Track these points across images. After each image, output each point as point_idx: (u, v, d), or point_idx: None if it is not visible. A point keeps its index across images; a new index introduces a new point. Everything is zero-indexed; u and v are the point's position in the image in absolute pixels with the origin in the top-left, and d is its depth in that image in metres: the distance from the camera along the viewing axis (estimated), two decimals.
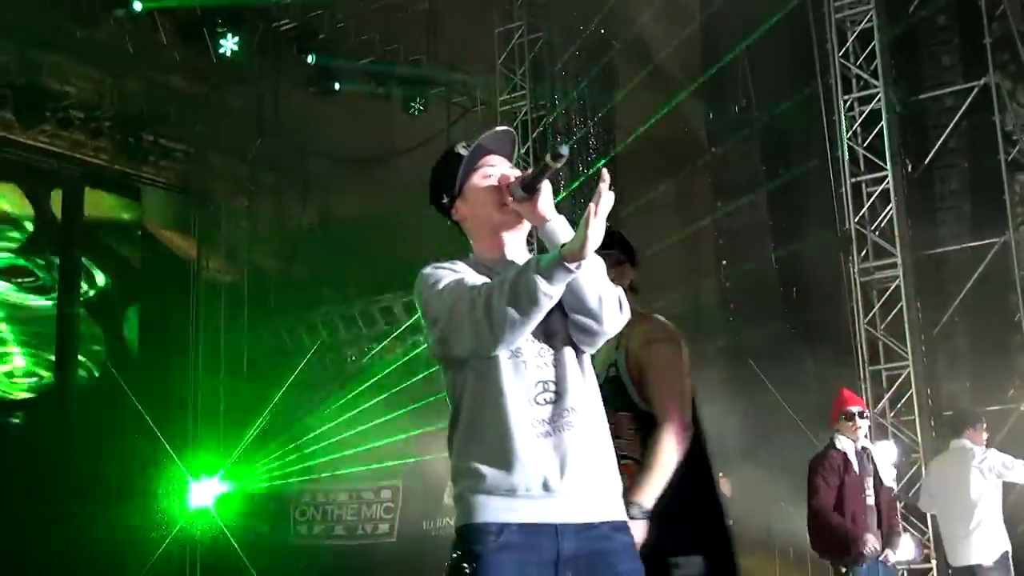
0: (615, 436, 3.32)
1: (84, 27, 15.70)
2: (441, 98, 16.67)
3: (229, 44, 15.61)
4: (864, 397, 12.17)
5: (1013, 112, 13.06)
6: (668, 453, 4.16)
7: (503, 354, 3.06)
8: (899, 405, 12.12)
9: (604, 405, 3.25)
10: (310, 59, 15.91)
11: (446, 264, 3.27)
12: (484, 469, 3.05)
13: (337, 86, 16.10)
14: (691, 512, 4.29)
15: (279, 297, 17.91)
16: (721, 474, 13.47)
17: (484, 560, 3.00)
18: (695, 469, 4.30)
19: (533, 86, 15.20)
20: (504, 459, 3.03)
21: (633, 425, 4.25)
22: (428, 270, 3.25)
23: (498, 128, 3.47)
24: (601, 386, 3.30)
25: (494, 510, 3.04)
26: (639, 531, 3.92)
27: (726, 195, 14.74)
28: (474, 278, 3.16)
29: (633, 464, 4.12)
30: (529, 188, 3.18)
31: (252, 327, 17.85)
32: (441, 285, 3.16)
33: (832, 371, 12.72)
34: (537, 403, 3.10)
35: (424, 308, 3.20)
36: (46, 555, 13.93)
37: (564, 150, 3.02)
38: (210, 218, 17.89)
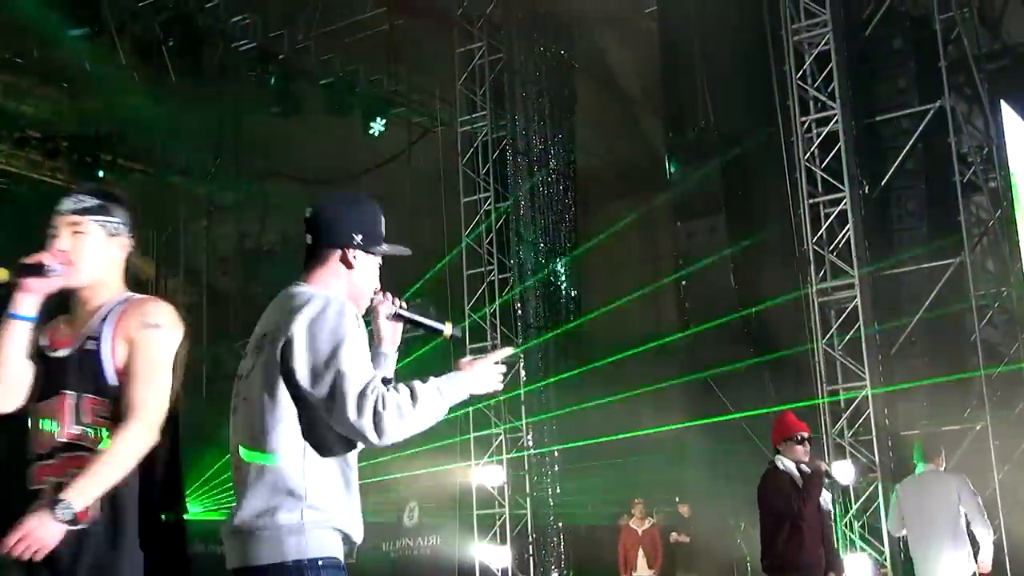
0: (77, 422, 3.46)
1: (42, 46, 15.58)
2: (402, 118, 16.66)
3: (188, 64, 15.54)
4: (822, 417, 12.24)
5: (968, 134, 13.20)
6: (126, 451, 3.39)
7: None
8: (857, 425, 12.16)
9: (65, 384, 3.44)
10: (271, 80, 15.83)
11: (356, 322, 3.28)
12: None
13: (297, 107, 16.02)
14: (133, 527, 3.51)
15: (239, 318, 17.82)
16: (678, 498, 13.59)
17: None
18: (155, 478, 3.56)
19: (493, 107, 15.21)
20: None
21: (105, 413, 3.50)
22: (346, 322, 3.24)
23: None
24: (65, 360, 3.48)
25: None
26: (52, 535, 3.26)
27: (686, 216, 14.77)
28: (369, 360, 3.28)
29: (88, 456, 3.42)
30: (399, 319, 3.55)
31: (211, 349, 17.73)
32: (360, 357, 3.20)
33: (791, 391, 12.76)
34: None
35: (342, 365, 3.15)
36: None
37: (457, 332, 3.54)
38: (169, 239, 17.76)
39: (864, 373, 12.23)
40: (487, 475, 14.34)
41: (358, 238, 3.46)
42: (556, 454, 14.33)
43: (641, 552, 13.44)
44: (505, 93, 15.35)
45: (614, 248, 15.25)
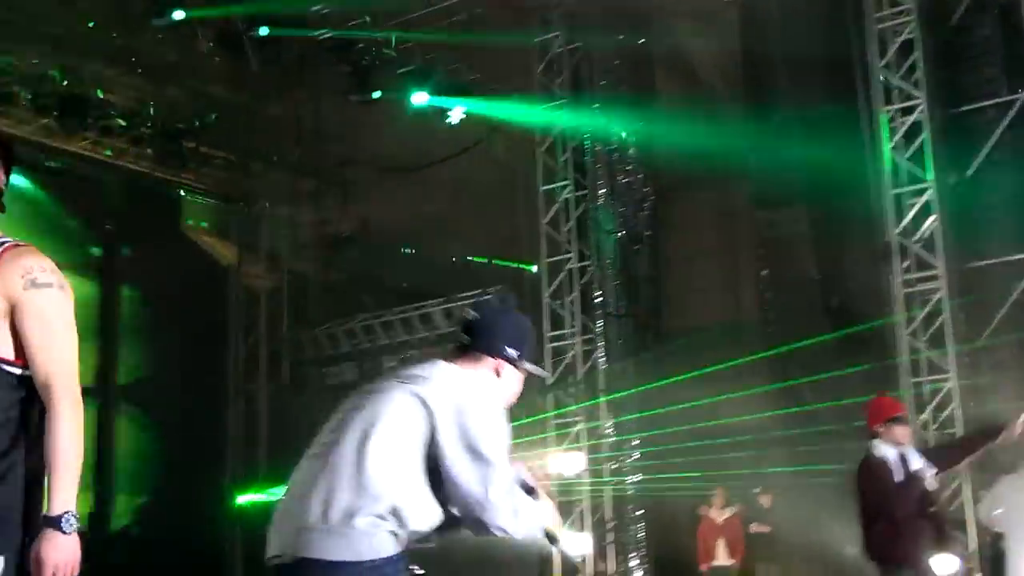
0: None
1: (126, 36, 15.85)
2: (480, 106, 16.70)
3: (269, 52, 15.73)
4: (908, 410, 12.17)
5: None
6: (74, 436, 3.15)
7: None
8: (941, 419, 12.09)
9: None
10: (350, 68, 15.96)
11: (505, 423, 3.66)
12: None
13: (376, 94, 16.14)
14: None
15: (318, 304, 18.02)
16: (759, 489, 13.58)
17: None
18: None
19: (571, 96, 15.22)
20: None
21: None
22: (499, 420, 3.64)
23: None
24: None
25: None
26: (75, 551, 3.13)
27: (767, 206, 14.71)
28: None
29: None
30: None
31: (292, 334, 17.98)
32: (503, 459, 3.56)
33: (873, 384, 12.70)
34: None
35: (491, 459, 3.52)
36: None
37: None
38: (250, 225, 18.00)
39: (949, 366, 12.15)
40: (566, 461, 14.41)
41: (512, 353, 3.77)
42: (635, 442, 14.38)
43: (721, 541, 13.48)
44: (583, 83, 15.37)
45: (693, 237, 15.24)
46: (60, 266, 3.31)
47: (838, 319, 13.49)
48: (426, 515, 3.58)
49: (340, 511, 3.48)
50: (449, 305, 16.33)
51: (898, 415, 7.73)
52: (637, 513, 14.34)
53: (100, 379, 16.38)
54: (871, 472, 7.59)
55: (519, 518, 3.57)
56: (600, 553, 14.28)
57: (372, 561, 3.48)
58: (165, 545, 15.64)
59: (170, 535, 15.86)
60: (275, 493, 16.51)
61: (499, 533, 3.59)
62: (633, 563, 14.28)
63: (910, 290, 12.64)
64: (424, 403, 3.52)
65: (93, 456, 15.58)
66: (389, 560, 3.52)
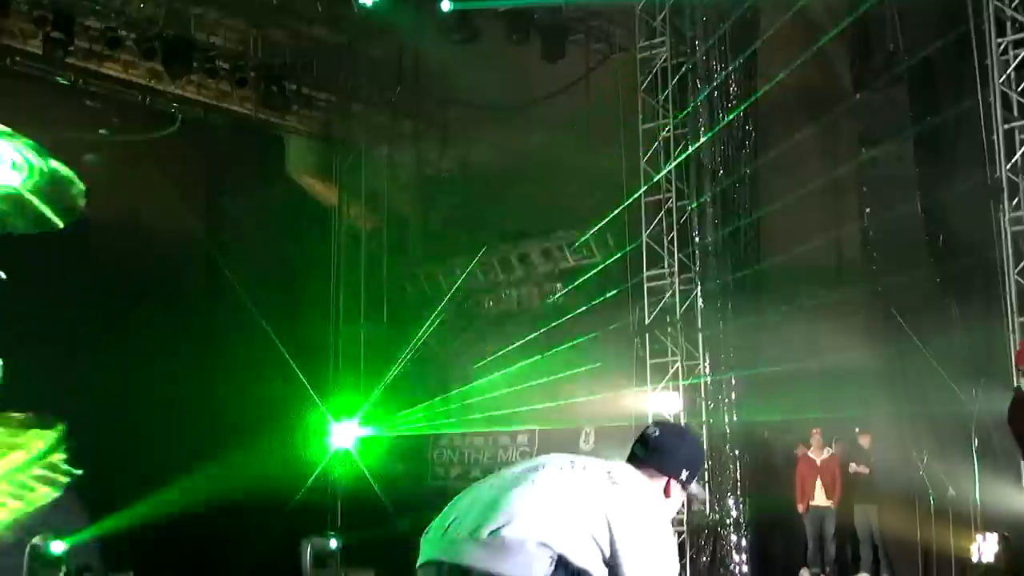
0: None
1: None
2: (580, 45, 16.60)
3: None
4: (1010, 348, 11.88)
5: None
6: None
7: None
8: None
9: None
10: (450, 8, 15.93)
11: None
12: None
13: (476, 34, 16.11)
14: None
15: (418, 244, 18.16)
16: (858, 429, 13.37)
17: None
18: None
19: (673, 33, 15.01)
20: None
21: None
22: (670, 546, 3.61)
23: None
24: None
25: None
26: None
27: (871, 142, 14.36)
28: None
29: None
30: None
31: (392, 273, 18.13)
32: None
33: (978, 322, 12.41)
34: None
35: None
36: (192, 494, 14.39)
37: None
38: (352, 166, 18.16)
39: None
40: (663, 401, 14.35)
41: (684, 475, 3.77)
42: (733, 381, 14.24)
43: (819, 482, 13.32)
44: (685, 18, 15.14)
45: (795, 175, 14.96)
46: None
47: (942, 257, 13.17)
48: None
49: None
50: (547, 244, 16.33)
51: None
52: (734, 453, 14.20)
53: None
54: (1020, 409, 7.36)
55: None
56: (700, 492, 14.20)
57: None
58: (273, 485, 15.97)
59: (278, 472, 16.18)
60: (372, 429, 16.85)
61: None
62: (730, 502, 14.17)
63: (1019, 228, 12.28)
64: (600, 519, 3.47)
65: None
66: None
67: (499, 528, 3.38)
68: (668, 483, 3.74)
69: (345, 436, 17.22)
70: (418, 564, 3.63)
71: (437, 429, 16.81)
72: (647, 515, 3.54)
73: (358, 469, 17.02)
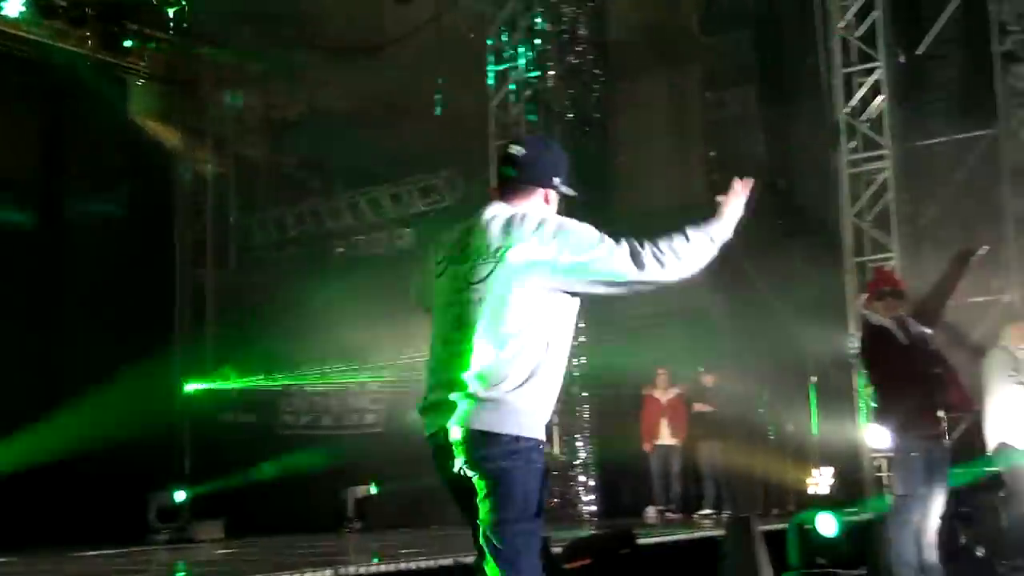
0: None
1: None
2: None
3: None
4: (848, 288, 12.22)
5: (1009, 2, 12.85)
6: None
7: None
8: None
9: None
10: None
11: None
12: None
13: None
14: None
15: (266, 189, 17.81)
16: (702, 368, 13.61)
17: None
18: None
19: None
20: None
21: None
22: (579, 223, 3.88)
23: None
24: None
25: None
26: None
27: (717, 86, 14.56)
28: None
29: None
30: None
31: (239, 219, 17.78)
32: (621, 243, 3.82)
33: (818, 263, 12.70)
34: None
35: (603, 248, 3.78)
36: (31, 452, 13.95)
37: None
38: (196, 109, 17.67)
39: (892, 244, 12.14)
40: None
41: (556, 180, 4.02)
42: (581, 325, 14.31)
43: (665, 421, 13.51)
44: None
45: (643, 119, 15.07)
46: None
47: (784, 199, 13.44)
48: None
49: None
50: (397, 190, 16.17)
51: (886, 288, 7.63)
52: (582, 395, 14.33)
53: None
54: (874, 340, 7.49)
55: (683, 256, 3.86)
56: (546, 436, 14.30)
57: None
58: (115, 439, 15.59)
59: (120, 425, 15.78)
60: (223, 379, 16.57)
61: (683, 274, 3.90)
62: (579, 444, 14.33)
63: (856, 170, 12.59)
64: (520, 269, 3.81)
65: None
66: None
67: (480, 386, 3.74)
68: (546, 193, 4.00)
69: (193, 386, 16.90)
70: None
71: (289, 380, 16.57)
72: (545, 217, 3.87)
73: (206, 419, 16.73)
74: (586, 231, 3.79)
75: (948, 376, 7.55)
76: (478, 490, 3.71)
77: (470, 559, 7.57)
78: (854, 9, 12.70)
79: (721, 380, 13.44)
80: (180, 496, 15.53)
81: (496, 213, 3.89)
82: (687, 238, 3.87)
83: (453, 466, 3.76)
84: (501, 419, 3.70)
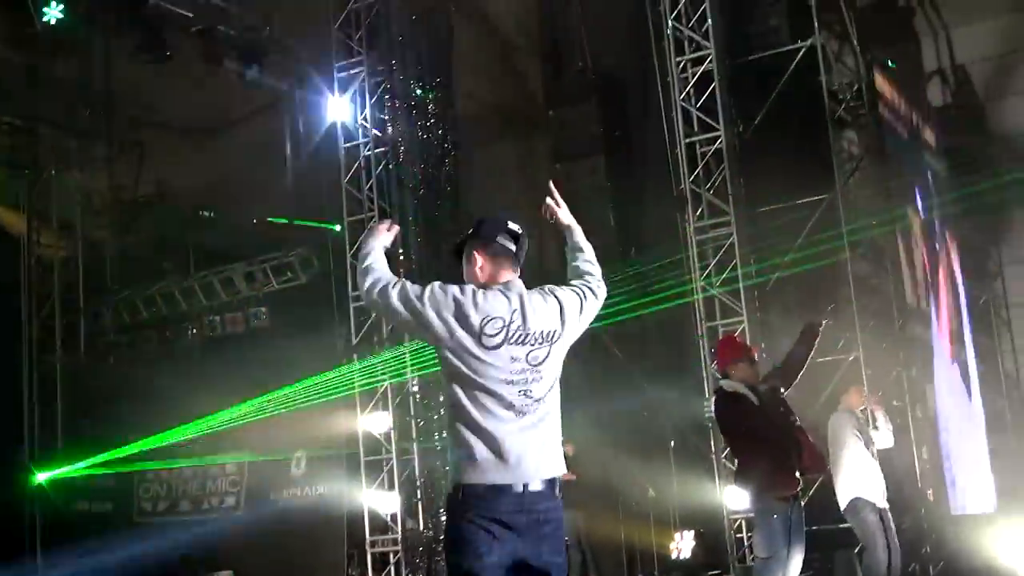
0: None
1: None
2: (277, 64, 16.34)
3: (54, 12, 15.05)
4: (702, 353, 12.48)
5: (838, 71, 13.42)
6: None
7: None
8: None
9: None
10: (141, 27, 15.33)
11: None
12: None
13: (169, 53, 15.58)
14: None
15: (116, 272, 17.45)
16: (562, 439, 13.69)
17: None
18: None
19: (369, 52, 15.00)
20: None
21: None
22: None
23: None
24: None
25: None
26: None
27: (565, 158, 14.84)
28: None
29: None
30: None
31: (88, 303, 17.37)
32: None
33: (672, 329, 12.96)
34: None
35: None
36: None
37: None
38: (40, 192, 17.26)
39: (741, 309, 12.47)
40: (373, 422, 14.31)
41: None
42: (442, 398, 14.31)
43: None
44: (382, 37, 15.15)
45: (495, 191, 15.25)
46: None
47: (636, 269, 13.70)
48: None
49: None
50: (251, 268, 16.01)
51: (745, 356, 7.83)
52: (446, 469, 14.26)
53: None
54: (730, 402, 7.63)
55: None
56: (410, 511, 14.22)
57: None
58: None
59: None
60: (75, 468, 16.07)
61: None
62: (443, 519, 14.24)
63: (703, 236, 12.91)
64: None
65: None
66: None
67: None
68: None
69: (44, 475, 16.36)
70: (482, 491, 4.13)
71: (143, 465, 16.16)
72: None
73: (59, 509, 16.20)
74: None
75: (800, 437, 7.76)
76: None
77: None
78: (693, 80, 13.07)
79: (581, 448, 13.53)
80: None
81: (522, 290, 4.36)
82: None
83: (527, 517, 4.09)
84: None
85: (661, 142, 13.34)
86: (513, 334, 4.21)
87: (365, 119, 14.93)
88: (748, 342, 11.94)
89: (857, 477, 9.12)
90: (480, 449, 4.12)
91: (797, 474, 7.58)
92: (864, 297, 12.65)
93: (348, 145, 14.99)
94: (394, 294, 4.31)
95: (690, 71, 13.10)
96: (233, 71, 15.74)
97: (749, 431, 7.61)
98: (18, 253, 17.25)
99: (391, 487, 14.20)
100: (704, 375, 12.48)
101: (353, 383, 14.33)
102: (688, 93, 13.09)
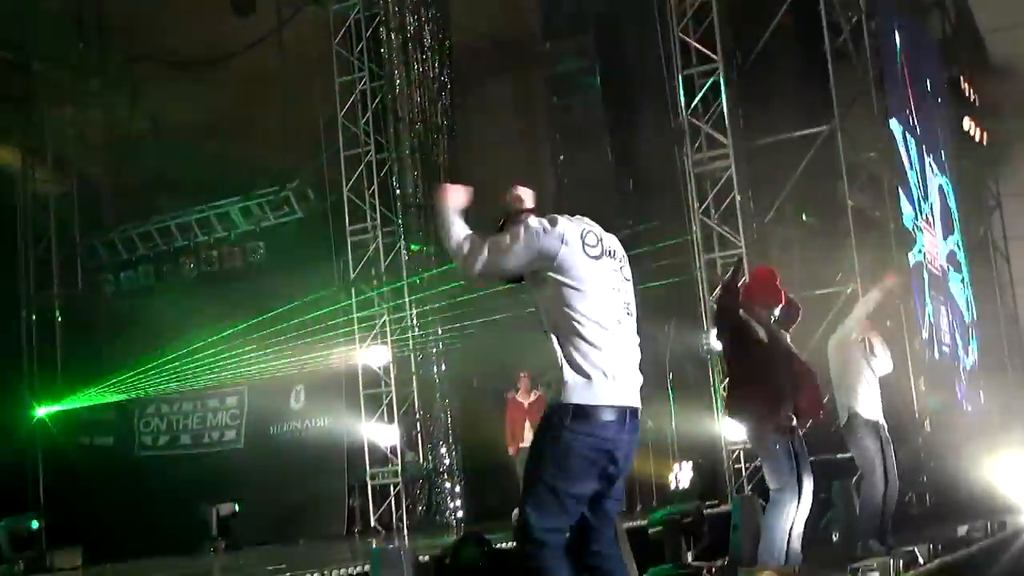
0: None
1: None
2: None
3: None
4: (700, 285, 12.51)
5: (837, 1, 13.32)
6: None
7: None
8: None
9: None
10: None
11: None
12: None
13: None
14: None
15: (111, 206, 17.39)
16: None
17: None
18: None
19: None
20: None
21: None
22: None
23: None
24: None
25: None
26: None
27: (563, 91, 14.77)
28: None
29: None
30: None
31: (85, 238, 17.33)
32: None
33: (670, 262, 12.97)
34: None
35: None
36: None
37: None
38: (34, 128, 17.15)
39: (740, 240, 12.47)
40: (372, 356, 14.37)
41: None
42: (439, 331, 14.39)
43: (528, 424, 13.60)
44: None
45: (492, 126, 15.19)
46: None
47: (634, 201, 13.70)
48: None
49: None
50: (247, 203, 15.98)
51: (775, 304, 7.73)
52: (445, 402, 14.38)
53: None
54: (743, 329, 7.59)
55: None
56: (410, 443, 14.32)
57: None
58: None
59: None
60: (75, 402, 16.14)
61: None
62: (443, 451, 14.35)
63: (701, 169, 12.89)
64: None
65: None
66: None
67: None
68: None
69: (44, 409, 16.42)
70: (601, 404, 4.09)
71: (143, 393, 16.20)
72: None
73: (60, 444, 16.28)
74: None
75: (805, 379, 7.75)
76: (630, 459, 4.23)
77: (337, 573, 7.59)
78: (691, 11, 12.98)
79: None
80: (35, 524, 15.08)
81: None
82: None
83: (623, 438, 4.15)
84: None
85: (659, 74, 13.27)
86: (606, 247, 4.29)
87: (361, 52, 14.83)
88: (747, 273, 11.96)
89: (856, 393, 9.08)
90: (590, 365, 4.09)
91: (792, 414, 7.60)
92: (862, 229, 12.64)
93: (344, 79, 14.91)
94: (493, 254, 4.21)
95: (688, 2, 13.01)
96: (227, 3, 15.65)
97: (755, 362, 7.60)
98: (12, 189, 17.19)
99: (391, 420, 14.29)
100: (703, 308, 12.52)
101: (352, 317, 14.36)
102: (686, 24, 13.01)
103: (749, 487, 11.95)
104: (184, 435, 16.33)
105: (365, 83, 14.81)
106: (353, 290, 14.52)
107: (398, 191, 14.58)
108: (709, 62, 12.86)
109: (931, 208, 15.50)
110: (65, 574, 12.94)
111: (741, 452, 12.14)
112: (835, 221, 12.59)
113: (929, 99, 16.14)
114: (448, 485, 14.35)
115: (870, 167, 13.29)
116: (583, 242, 4.20)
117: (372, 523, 14.30)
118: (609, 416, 4.10)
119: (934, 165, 15.91)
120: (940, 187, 16.17)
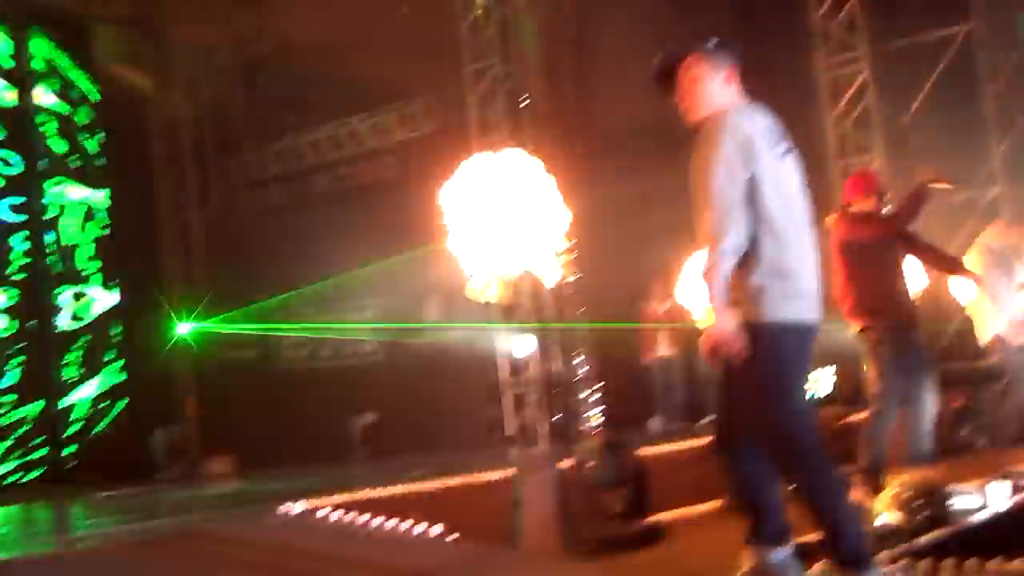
0: None
1: None
2: None
3: None
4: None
5: None
6: None
7: None
8: None
9: None
10: None
11: None
12: None
13: None
14: None
15: (242, 128, 17.72)
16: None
17: None
18: None
19: None
20: None
21: None
22: None
23: None
24: None
25: None
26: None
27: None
28: None
29: None
30: None
31: (217, 159, 17.73)
32: None
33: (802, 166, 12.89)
34: None
35: None
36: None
37: None
38: (165, 52, 17.49)
39: (875, 147, 12.36)
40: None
41: None
42: (574, 240, 14.41)
43: (663, 333, 13.63)
44: None
45: (617, 37, 15.09)
46: None
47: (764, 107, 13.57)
48: None
49: None
50: (376, 118, 16.18)
51: (875, 193, 7.71)
52: (579, 311, 14.52)
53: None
54: (852, 229, 7.53)
55: None
56: (545, 353, 14.51)
57: None
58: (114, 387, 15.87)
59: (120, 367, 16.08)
60: (216, 321, 16.66)
61: None
62: (577, 360, 14.54)
63: (832, 73, 12.75)
64: None
65: None
66: None
67: None
68: None
69: (186, 327, 16.97)
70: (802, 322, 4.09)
71: (283, 311, 16.61)
72: None
73: (204, 358, 16.87)
74: None
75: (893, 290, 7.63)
76: None
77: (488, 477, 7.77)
78: None
79: None
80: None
81: None
82: None
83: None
84: None
85: None
86: (788, 143, 4.30)
87: None
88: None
89: (996, 315, 9.06)
90: (794, 275, 4.09)
91: (909, 302, 7.56)
92: (1002, 130, 12.40)
93: None
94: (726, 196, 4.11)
95: None
96: None
97: (864, 258, 7.49)
98: (146, 113, 17.60)
99: (525, 330, 14.49)
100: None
101: None
102: None
103: None
104: (325, 348, 16.80)
105: None
106: None
107: (522, 106, 14.61)
108: None
109: None
110: (221, 481, 13.54)
111: None
112: (973, 124, 12.37)
113: None
114: (584, 394, 14.57)
115: (1013, 66, 12.99)
116: (774, 140, 4.30)
117: (510, 431, 14.59)
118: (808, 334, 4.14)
119: None
120: None
